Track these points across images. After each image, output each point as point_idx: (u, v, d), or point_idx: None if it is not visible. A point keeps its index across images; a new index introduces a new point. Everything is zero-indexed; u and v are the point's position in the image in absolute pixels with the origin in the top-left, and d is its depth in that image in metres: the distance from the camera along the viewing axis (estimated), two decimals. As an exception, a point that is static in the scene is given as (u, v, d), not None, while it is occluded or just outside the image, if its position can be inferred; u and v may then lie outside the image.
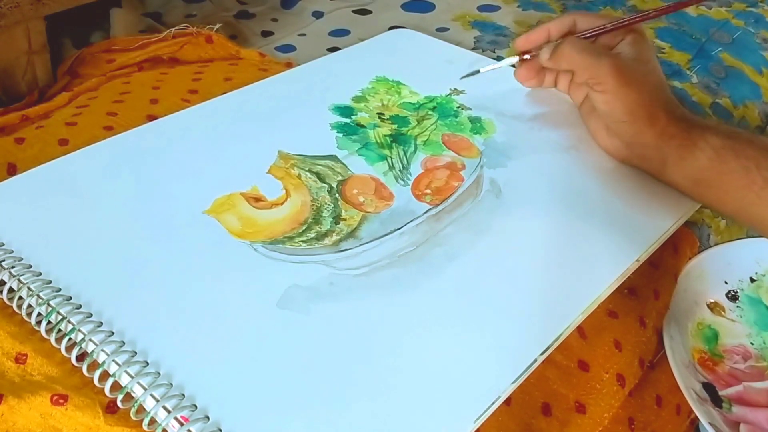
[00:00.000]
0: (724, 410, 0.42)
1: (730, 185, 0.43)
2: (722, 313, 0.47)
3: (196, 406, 0.31)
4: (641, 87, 0.46)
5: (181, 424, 0.30)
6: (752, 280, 0.49)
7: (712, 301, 0.48)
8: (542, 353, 0.36)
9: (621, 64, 0.46)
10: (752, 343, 0.46)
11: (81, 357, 0.33)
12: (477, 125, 0.52)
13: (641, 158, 0.47)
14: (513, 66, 0.53)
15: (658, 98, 0.46)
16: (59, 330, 0.34)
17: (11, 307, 0.36)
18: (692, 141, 0.44)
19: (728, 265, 0.49)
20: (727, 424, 0.40)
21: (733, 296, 0.48)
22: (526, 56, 0.52)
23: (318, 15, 0.76)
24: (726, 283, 0.48)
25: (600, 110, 0.48)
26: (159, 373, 0.32)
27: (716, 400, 0.42)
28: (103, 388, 0.32)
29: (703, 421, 0.39)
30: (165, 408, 0.31)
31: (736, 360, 0.45)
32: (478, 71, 0.53)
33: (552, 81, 0.54)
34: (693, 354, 0.44)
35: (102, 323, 0.34)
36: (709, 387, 0.43)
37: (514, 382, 0.34)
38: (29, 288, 0.35)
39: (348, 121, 0.51)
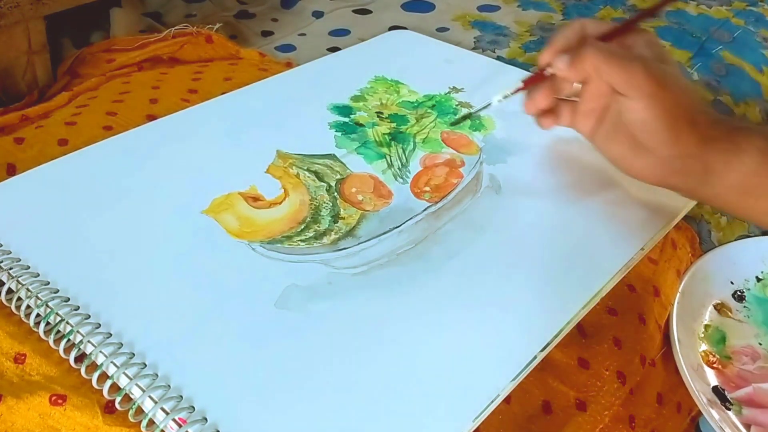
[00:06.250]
0: (734, 412, 0.41)
1: None
2: (729, 313, 0.47)
3: (194, 408, 0.31)
4: (677, 89, 0.41)
5: (180, 426, 0.30)
6: (758, 280, 0.48)
7: (718, 302, 0.47)
8: (542, 350, 0.35)
9: (654, 66, 0.40)
10: (761, 344, 0.45)
11: (80, 358, 0.33)
12: (476, 122, 0.52)
13: (680, 173, 0.41)
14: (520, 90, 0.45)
15: (694, 100, 0.41)
16: (58, 331, 0.34)
17: (9, 307, 0.36)
18: (736, 144, 0.39)
19: (733, 265, 0.48)
20: (737, 427, 0.40)
21: (739, 296, 0.48)
22: (548, 71, 0.43)
23: (318, 15, 0.76)
24: (732, 283, 0.48)
25: (634, 121, 0.41)
26: (157, 375, 0.32)
27: (726, 403, 0.42)
28: (102, 389, 0.32)
29: (713, 425, 0.39)
30: (163, 410, 0.31)
31: (744, 361, 0.44)
32: (490, 104, 0.46)
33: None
34: (701, 357, 0.44)
35: (100, 324, 0.34)
36: (718, 390, 0.42)
37: (513, 380, 0.34)
38: (28, 289, 0.35)
39: (347, 120, 0.51)
